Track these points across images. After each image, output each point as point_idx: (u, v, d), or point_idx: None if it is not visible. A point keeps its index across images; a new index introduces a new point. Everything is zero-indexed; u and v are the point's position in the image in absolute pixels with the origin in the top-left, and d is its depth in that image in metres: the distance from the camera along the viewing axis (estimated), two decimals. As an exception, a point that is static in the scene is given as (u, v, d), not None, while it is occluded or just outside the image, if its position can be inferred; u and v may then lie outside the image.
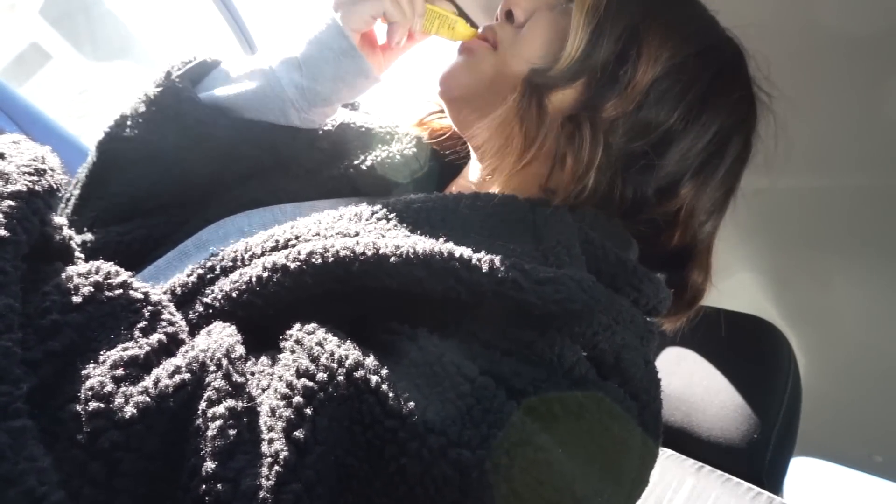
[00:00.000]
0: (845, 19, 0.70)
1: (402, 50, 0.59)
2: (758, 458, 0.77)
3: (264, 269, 0.38)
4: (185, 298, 0.40)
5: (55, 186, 0.34)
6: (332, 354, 0.31)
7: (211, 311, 0.38)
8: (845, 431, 1.33)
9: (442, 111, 0.64)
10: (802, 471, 1.41)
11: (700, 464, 0.82)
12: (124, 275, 0.33)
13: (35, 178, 0.32)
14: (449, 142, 0.64)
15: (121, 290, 0.32)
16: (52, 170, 0.35)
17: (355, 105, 0.71)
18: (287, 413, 0.29)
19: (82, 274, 0.31)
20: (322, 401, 0.29)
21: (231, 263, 0.41)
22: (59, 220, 0.35)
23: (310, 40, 0.54)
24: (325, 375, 0.30)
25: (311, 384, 0.30)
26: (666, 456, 0.85)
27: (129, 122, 0.54)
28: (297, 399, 0.29)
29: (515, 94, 0.48)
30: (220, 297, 0.39)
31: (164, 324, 0.32)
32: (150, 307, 0.32)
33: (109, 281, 0.32)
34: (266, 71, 0.54)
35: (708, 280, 0.57)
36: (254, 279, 0.38)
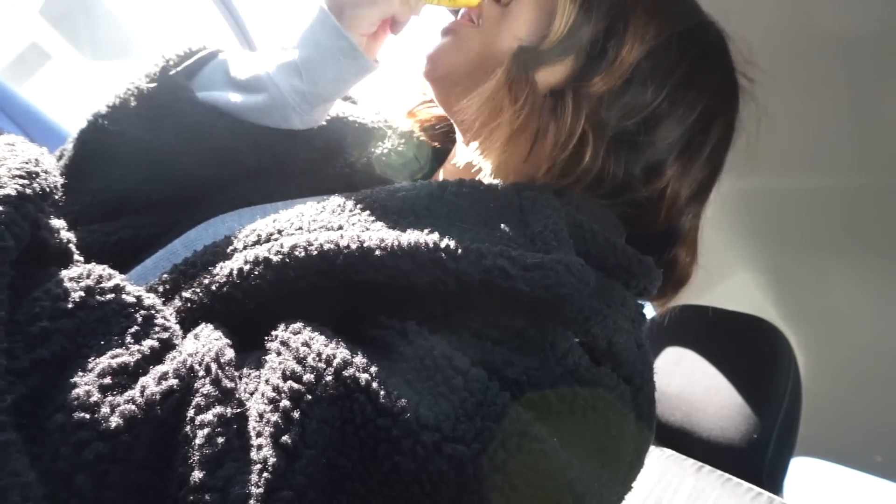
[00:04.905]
0: (845, 21, 0.70)
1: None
2: (758, 458, 0.77)
3: (245, 261, 0.37)
4: (166, 295, 0.39)
5: (49, 189, 0.34)
6: (319, 354, 0.31)
7: (189, 304, 0.38)
8: (845, 431, 1.33)
9: (430, 101, 0.64)
10: (802, 471, 1.41)
11: (700, 464, 0.82)
12: (117, 278, 0.32)
13: (26, 181, 0.32)
14: (438, 131, 0.63)
15: (113, 295, 0.31)
16: (47, 172, 0.34)
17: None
18: (275, 418, 0.28)
19: (74, 278, 0.31)
20: (310, 403, 0.29)
21: (212, 257, 0.40)
22: (58, 222, 0.34)
23: (306, 41, 0.53)
24: (313, 376, 0.30)
25: (298, 386, 0.29)
26: (666, 456, 0.85)
27: (117, 115, 0.52)
28: (285, 403, 0.29)
29: (504, 66, 0.48)
30: (198, 290, 0.38)
31: (157, 329, 0.32)
32: (142, 311, 0.32)
33: (101, 285, 0.31)
34: (265, 79, 0.53)
35: (695, 261, 0.57)
36: (234, 272, 0.37)
